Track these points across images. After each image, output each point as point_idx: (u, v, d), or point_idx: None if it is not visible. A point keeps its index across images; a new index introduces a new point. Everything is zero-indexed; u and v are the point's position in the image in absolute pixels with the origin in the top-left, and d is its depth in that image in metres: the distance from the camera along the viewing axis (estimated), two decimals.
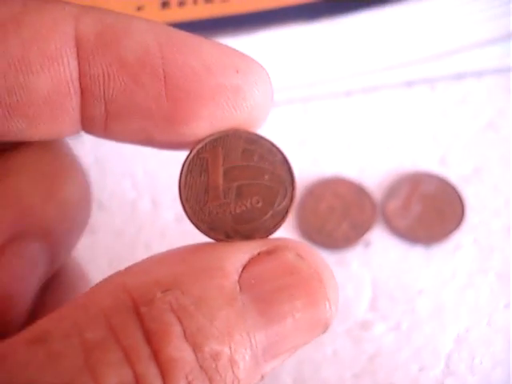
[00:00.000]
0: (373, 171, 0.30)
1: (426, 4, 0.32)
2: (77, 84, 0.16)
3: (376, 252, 0.28)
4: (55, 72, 0.15)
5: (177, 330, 0.13)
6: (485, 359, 0.25)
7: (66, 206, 0.19)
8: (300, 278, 0.15)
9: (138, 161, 0.31)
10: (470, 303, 0.26)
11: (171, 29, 0.16)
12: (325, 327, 0.15)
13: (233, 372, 0.14)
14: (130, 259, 0.16)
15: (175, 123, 0.16)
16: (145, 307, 0.14)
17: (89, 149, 0.29)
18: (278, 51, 0.32)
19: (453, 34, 0.32)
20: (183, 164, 0.16)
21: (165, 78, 0.16)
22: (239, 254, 0.15)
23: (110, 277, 0.15)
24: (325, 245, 0.28)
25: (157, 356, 0.13)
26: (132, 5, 0.31)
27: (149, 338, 0.13)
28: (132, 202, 0.30)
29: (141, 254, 0.16)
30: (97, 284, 0.15)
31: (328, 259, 0.16)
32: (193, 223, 0.16)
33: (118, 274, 0.15)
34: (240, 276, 0.15)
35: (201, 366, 0.13)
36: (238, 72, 0.16)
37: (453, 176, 0.30)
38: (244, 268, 0.15)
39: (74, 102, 0.16)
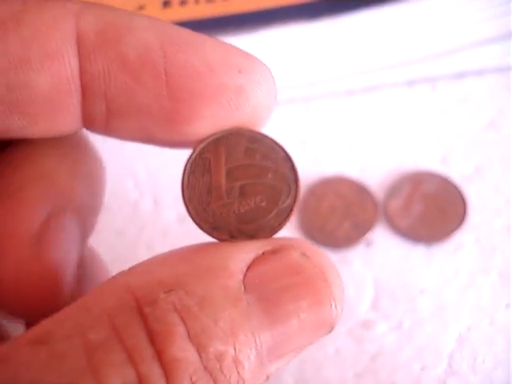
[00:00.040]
0: (374, 170, 0.30)
1: (426, 3, 0.32)
2: (77, 82, 0.16)
3: (378, 251, 0.28)
4: (56, 70, 0.15)
5: (180, 330, 0.13)
6: (487, 358, 0.25)
7: (88, 180, 0.19)
8: (305, 278, 0.15)
9: (140, 161, 0.31)
10: (472, 303, 0.26)
11: (174, 26, 0.16)
12: (330, 327, 0.15)
13: (238, 372, 0.14)
14: (132, 259, 0.16)
15: (177, 123, 0.16)
16: (148, 307, 0.14)
17: None
18: (279, 50, 0.32)
19: (453, 32, 0.32)
20: (185, 164, 0.16)
21: (166, 76, 0.15)
22: (243, 253, 0.15)
23: (114, 277, 0.15)
24: (326, 244, 0.28)
25: (160, 356, 0.13)
26: (133, 4, 0.31)
27: (152, 338, 0.13)
28: (134, 201, 0.30)
29: (143, 254, 0.16)
30: (100, 284, 0.15)
31: None
32: (196, 223, 0.16)
33: (122, 274, 0.15)
34: (245, 276, 0.15)
35: (205, 367, 0.13)
36: (240, 71, 0.16)
37: (454, 175, 0.30)
38: (249, 268, 0.15)
39: (74, 100, 0.16)
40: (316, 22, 0.31)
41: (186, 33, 0.16)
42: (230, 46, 0.16)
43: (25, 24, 0.15)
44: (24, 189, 0.17)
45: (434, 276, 0.27)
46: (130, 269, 0.15)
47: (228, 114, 0.16)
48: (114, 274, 0.15)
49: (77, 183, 0.18)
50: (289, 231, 0.28)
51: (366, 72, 0.32)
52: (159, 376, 0.13)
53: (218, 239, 0.16)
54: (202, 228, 0.16)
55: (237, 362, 0.14)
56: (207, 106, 0.16)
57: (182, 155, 0.17)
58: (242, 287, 0.14)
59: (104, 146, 0.20)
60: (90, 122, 0.16)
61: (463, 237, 0.28)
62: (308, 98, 0.33)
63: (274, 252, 0.15)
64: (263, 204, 0.16)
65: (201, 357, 0.13)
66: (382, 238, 0.28)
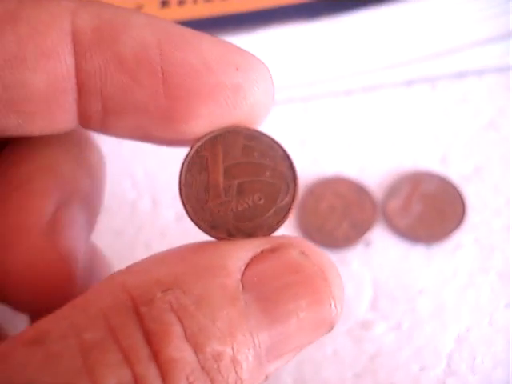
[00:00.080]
0: (373, 170, 0.30)
1: (426, 2, 0.32)
2: (73, 80, 0.16)
3: (376, 251, 0.28)
4: (51, 68, 0.15)
5: (177, 330, 0.13)
6: (486, 359, 0.25)
7: (91, 172, 0.19)
8: (304, 277, 0.15)
9: (138, 160, 0.31)
10: (471, 303, 0.26)
11: (171, 24, 0.16)
12: (330, 326, 0.15)
13: (235, 373, 0.14)
14: (130, 259, 0.15)
15: (173, 121, 0.16)
16: (145, 307, 0.13)
17: None
18: (277, 50, 0.32)
19: (453, 32, 0.32)
20: (183, 163, 0.16)
21: (163, 74, 0.15)
22: (242, 252, 0.15)
23: (110, 276, 0.15)
24: (325, 244, 0.28)
25: (157, 357, 0.13)
26: (131, 3, 0.31)
27: (149, 338, 0.13)
28: (132, 201, 0.30)
29: (141, 254, 0.16)
30: (96, 283, 0.15)
31: None
32: (194, 222, 0.16)
33: (119, 273, 0.15)
34: (243, 275, 0.14)
35: (202, 367, 0.13)
36: (238, 69, 0.16)
37: (453, 175, 0.29)
38: (247, 266, 0.15)
39: (70, 98, 0.16)
40: (315, 22, 0.31)
41: (183, 31, 0.16)
42: (228, 43, 0.16)
43: (20, 22, 0.15)
44: (32, 180, 0.17)
45: (433, 276, 0.27)
46: (127, 268, 0.15)
47: (225, 113, 0.16)
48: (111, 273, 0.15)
49: (80, 174, 0.19)
50: (287, 231, 0.28)
51: (365, 72, 0.32)
52: (155, 376, 0.13)
53: (215, 238, 0.16)
54: (199, 227, 0.16)
55: (235, 362, 0.14)
56: (204, 104, 0.16)
57: (180, 154, 0.16)
58: (240, 286, 0.14)
59: (101, 145, 0.20)
60: (86, 120, 0.16)
61: (462, 237, 0.28)
62: (307, 97, 0.33)
63: (273, 250, 0.15)
64: (261, 202, 0.16)
65: (198, 357, 0.13)
66: (380, 238, 0.28)
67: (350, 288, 0.27)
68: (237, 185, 0.16)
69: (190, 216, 0.16)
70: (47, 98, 0.15)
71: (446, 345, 0.25)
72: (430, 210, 0.29)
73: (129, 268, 0.15)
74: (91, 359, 0.13)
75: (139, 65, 0.15)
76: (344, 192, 0.29)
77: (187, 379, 0.13)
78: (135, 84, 0.15)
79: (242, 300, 0.14)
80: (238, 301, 0.14)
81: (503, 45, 0.32)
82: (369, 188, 0.29)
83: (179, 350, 0.13)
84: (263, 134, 0.16)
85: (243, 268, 0.15)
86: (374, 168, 0.30)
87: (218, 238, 0.16)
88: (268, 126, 0.18)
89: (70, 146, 0.19)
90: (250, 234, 0.16)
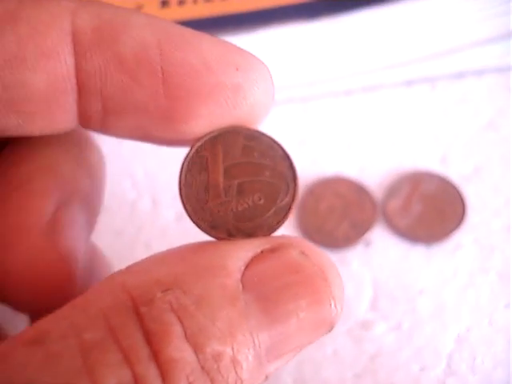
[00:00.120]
0: (373, 170, 0.30)
1: (425, 2, 0.32)
2: (73, 80, 0.16)
3: (376, 251, 0.28)
4: (51, 68, 0.15)
5: (177, 330, 0.13)
6: (486, 359, 0.25)
7: (92, 171, 0.19)
8: (304, 277, 0.15)
9: (138, 160, 0.31)
10: (471, 303, 0.26)
11: (171, 24, 0.16)
12: (330, 326, 0.15)
13: (235, 373, 0.14)
14: (130, 259, 0.15)
15: (173, 121, 0.16)
16: (145, 307, 0.13)
17: None
18: (277, 50, 0.32)
19: (453, 32, 0.32)
20: (182, 163, 0.16)
21: (163, 75, 0.15)
22: (242, 252, 0.15)
23: (110, 276, 0.15)
24: (325, 244, 0.28)
25: (157, 357, 0.13)
26: (131, 3, 0.31)
27: (149, 338, 0.13)
28: (132, 201, 0.30)
29: (141, 254, 0.16)
30: (96, 283, 0.15)
31: None
32: (194, 222, 0.16)
33: (119, 273, 0.15)
34: (243, 275, 0.14)
35: (202, 367, 0.13)
36: (238, 69, 0.16)
37: (453, 175, 0.29)
38: (247, 266, 0.15)
39: (70, 98, 0.16)
40: (315, 22, 0.31)
41: (183, 30, 0.16)
42: (228, 43, 0.16)
43: (20, 22, 0.15)
44: (32, 180, 0.17)
45: (433, 276, 0.27)
46: (127, 268, 0.15)
47: (225, 113, 0.16)
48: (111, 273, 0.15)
49: (80, 174, 0.19)
50: (287, 231, 0.28)
51: (365, 72, 0.32)
52: (155, 376, 0.13)
53: (215, 238, 0.16)
54: (199, 227, 0.16)
55: (235, 362, 0.14)
56: (204, 104, 0.16)
57: (180, 154, 0.16)
58: (240, 286, 0.14)
59: (101, 145, 0.20)
60: (86, 120, 0.16)
61: (462, 237, 0.28)
62: (306, 97, 0.33)
63: (273, 250, 0.15)
64: (261, 202, 0.16)
65: (198, 357, 0.13)
66: (380, 238, 0.28)
67: (350, 288, 0.27)
68: (237, 185, 0.16)
69: (190, 216, 0.16)
70: (47, 98, 0.15)
71: (446, 345, 0.25)
72: (430, 210, 0.29)
73: (129, 268, 0.15)
74: (91, 359, 0.13)
75: (139, 65, 0.15)
76: (344, 192, 0.29)
77: (187, 379, 0.13)
78: (135, 84, 0.15)
79: (242, 300, 0.14)
80: (238, 301, 0.14)
81: (503, 45, 0.32)
82: (369, 188, 0.29)
83: (179, 350, 0.13)
84: (263, 134, 0.16)
85: (243, 268, 0.15)
86: (373, 168, 0.30)
87: (218, 238, 0.16)
88: (268, 126, 0.18)
89: (70, 146, 0.19)
90: (250, 234, 0.16)
